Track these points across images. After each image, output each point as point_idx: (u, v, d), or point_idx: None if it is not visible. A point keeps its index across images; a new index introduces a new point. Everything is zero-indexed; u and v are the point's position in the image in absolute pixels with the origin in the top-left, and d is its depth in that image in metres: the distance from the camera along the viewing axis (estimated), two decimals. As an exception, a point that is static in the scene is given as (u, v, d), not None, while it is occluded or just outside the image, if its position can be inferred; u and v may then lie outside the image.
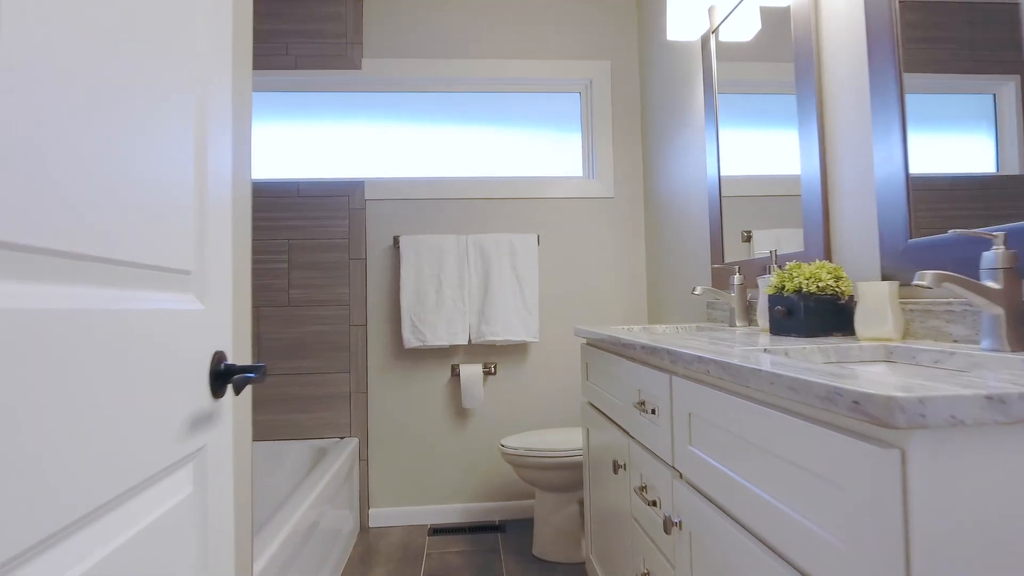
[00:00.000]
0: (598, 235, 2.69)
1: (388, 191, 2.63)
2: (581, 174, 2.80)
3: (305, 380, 2.57)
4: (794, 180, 1.51)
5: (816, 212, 1.40)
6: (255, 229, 2.61)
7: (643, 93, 2.71)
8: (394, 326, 2.59)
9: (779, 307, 1.26)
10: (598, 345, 1.72)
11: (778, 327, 1.28)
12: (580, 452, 2.09)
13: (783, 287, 1.27)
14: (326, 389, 2.57)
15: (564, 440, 2.16)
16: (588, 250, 2.68)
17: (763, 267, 1.65)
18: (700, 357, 0.92)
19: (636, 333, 1.52)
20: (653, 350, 1.14)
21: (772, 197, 1.65)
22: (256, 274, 2.60)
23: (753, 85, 1.74)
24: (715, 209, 1.93)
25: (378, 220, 2.63)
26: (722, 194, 1.90)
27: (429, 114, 2.76)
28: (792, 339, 1.18)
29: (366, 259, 2.61)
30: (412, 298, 2.51)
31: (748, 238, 1.80)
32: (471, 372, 2.51)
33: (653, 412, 1.18)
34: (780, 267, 1.48)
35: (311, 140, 2.75)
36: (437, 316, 2.50)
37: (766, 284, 1.43)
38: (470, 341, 2.54)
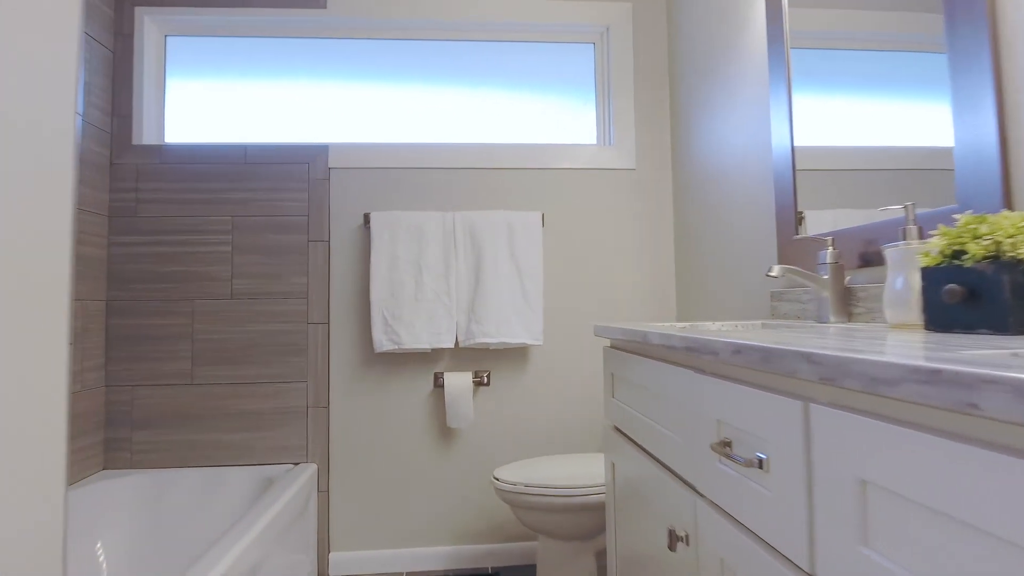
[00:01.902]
0: (616, 214, 2.19)
1: (358, 158, 2.13)
2: (595, 141, 2.30)
3: (250, 391, 2.06)
4: (904, 153, 1.02)
5: (988, 188, 0.90)
6: (186, 203, 2.10)
7: (673, 43, 2.22)
8: (363, 325, 2.08)
9: (952, 286, 0.76)
10: (631, 349, 1.22)
11: (946, 318, 0.77)
12: (599, 490, 1.58)
13: (957, 254, 0.77)
14: (277, 403, 2.06)
15: (577, 472, 1.66)
16: (603, 232, 2.18)
17: (866, 240, 1.15)
18: (925, 369, 0.42)
19: (695, 331, 1.01)
20: (764, 354, 0.64)
21: (863, 172, 1.16)
22: (189, 259, 2.09)
23: (840, 39, 1.26)
24: (785, 183, 1.44)
25: (345, 193, 2.12)
26: (796, 167, 1.41)
27: (410, 70, 2.26)
28: (984, 337, 0.68)
29: (329, 241, 2.11)
30: (385, 290, 2.00)
31: (801, 220, 1.37)
32: (458, 383, 2.00)
33: (759, 466, 0.67)
34: (919, 230, 0.97)
35: (264, 97, 2.24)
36: (416, 312, 1.99)
37: (902, 257, 0.93)
38: (457, 344, 2.03)
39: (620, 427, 1.26)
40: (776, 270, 1.19)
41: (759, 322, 1.32)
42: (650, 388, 1.05)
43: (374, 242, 2.02)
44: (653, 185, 2.21)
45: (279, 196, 2.11)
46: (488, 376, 2.07)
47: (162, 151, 2.11)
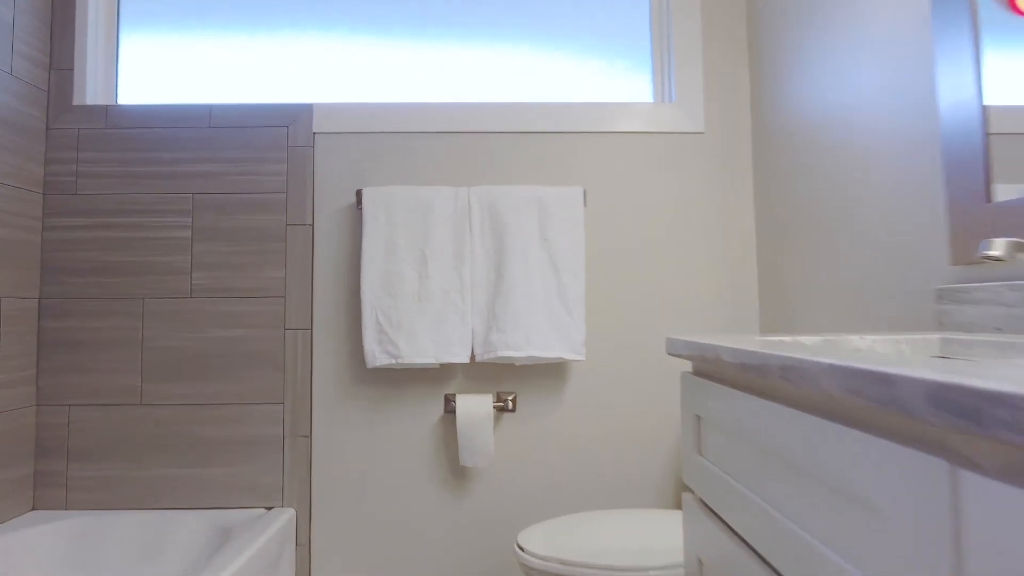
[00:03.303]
0: (678, 188, 1.70)
1: (349, 120, 1.68)
2: (652, 98, 1.81)
3: (212, 414, 1.63)
4: None
5: None
6: (137, 177, 1.68)
7: (752, -31, 1.72)
8: (355, 331, 1.63)
9: None
10: (736, 380, 0.73)
11: None
12: (669, 571, 1.10)
13: None
14: (245, 430, 1.62)
15: (636, 544, 1.17)
16: (662, 212, 1.69)
17: None
18: None
19: (876, 359, 0.52)
20: None
21: None
22: (139, 246, 1.66)
23: None
24: (967, 150, 0.93)
25: (333, 164, 1.67)
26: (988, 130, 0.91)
27: (415, 20, 1.80)
28: None
29: (313, 224, 1.66)
30: (379, 287, 1.55)
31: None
32: (474, 408, 1.53)
33: None
34: None
35: (238, 54, 1.81)
36: (419, 316, 1.53)
37: None
38: (473, 358, 1.56)
39: (713, 505, 0.77)
40: (999, 247, 0.69)
41: (933, 336, 0.83)
42: (781, 454, 0.56)
43: (366, 225, 1.57)
44: (727, 152, 1.71)
45: (251, 168, 1.67)
46: (513, 400, 1.60)
47: (108, 113, 1.69)
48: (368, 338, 1.53)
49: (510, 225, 1.56)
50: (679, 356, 0.87)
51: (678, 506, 1.61)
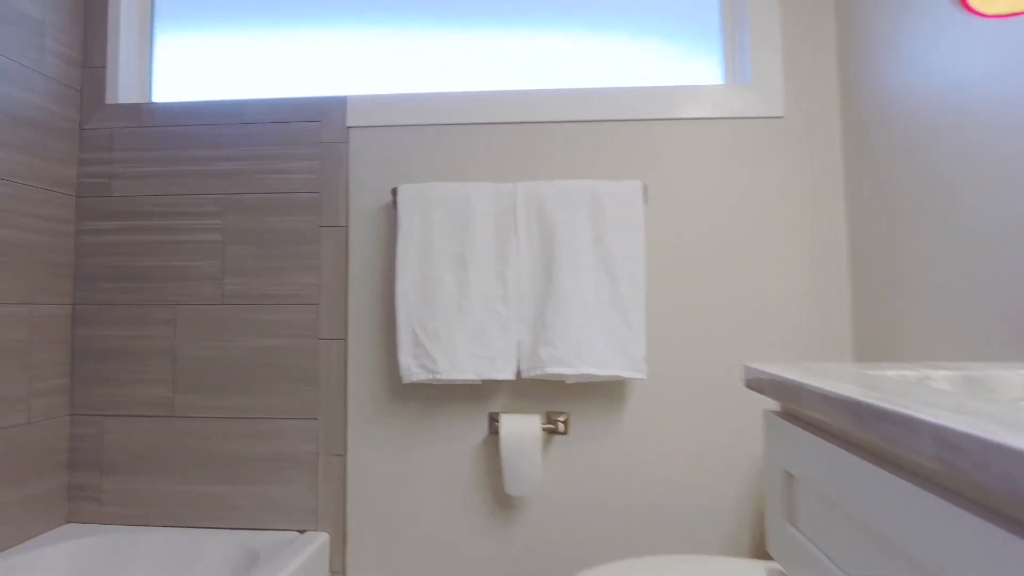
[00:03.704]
0: (752, 183, 1.48)
1: (385, 113, 1.54)
2: (722, 79, 1.60)
3: (243, 428, 1.53)
4: None
5: None
6: (168, 177, 1.59)
7: (842, -76, 1.48)
8: (392, 341, 1.50)
9: None
10: (856, 440, 0.54)
11: None
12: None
13: None
14: (277, 446, 1.52)
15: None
16: (734, 210, 1.48)
17: None
18: None
19: None
20: None
21: None
22: (171, 251, 1.58)
23: None
24: None
25: (368, 160, 1.54)
26: None
27: (454, 5, 1.65)
28: None
29: (347, 226, 1.54)
30: (414, 294, 1.41)
31: None
32: (520, 430, 1.38)
33: None
34: None
35: (271, 48, 1.71)
36: (458, 327, 1.38)
37: None
38: (519, 375, 1.40)
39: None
40: None
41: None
42: (921, 560, 0.38)
43: (401, 226, 1.43)
44: (812, 138, 1.49)
45: (282, 167, 1.56)
46: (565, 422, 1.43)
47: (141, 112, 1.61)
48: (403, 351, 1.39)
49: (560, 225, 1.38)
50: (760, 392, 0.69)
51: (755, 555, 1.41)
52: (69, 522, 1.57)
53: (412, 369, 1.38)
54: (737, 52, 1.58)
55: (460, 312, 1.37)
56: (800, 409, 0.57)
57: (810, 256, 1.46)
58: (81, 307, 1.59)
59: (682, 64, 1.62)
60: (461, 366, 1.36)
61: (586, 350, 1.33)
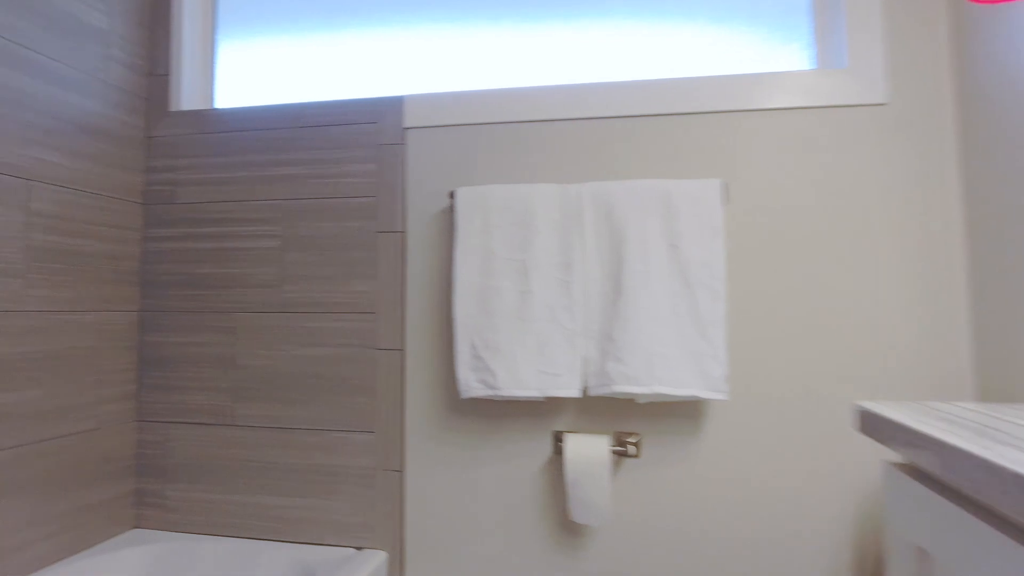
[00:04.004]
0: (849, 180, 1.32)
1: (444, 112, 1.47)
2: (813, 63, 1.44)
3: (300, 440, 1.49)
4: None
5: None
6: (228, 184, 1.57)
7: None
8: (451, 353, 1.42)
9: None
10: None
11: None
12: None
13: None
14: (334, 459, 1.47)
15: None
16: (828, 211, 1.32)
17: None
18: None
19: None
20: None
21: None
22: (231, 257, 1.56)
23: None
24: None
25: (425, 163, 1.47)
26: None
27: (513, 1, 1.56)
28: None
29: (404, 231, 1.47)
30: (473, 303, 1.32)
31: None
32: (586, 451, 1.27)
33: None
34: None
35: (327, 52, 1.66)
36: (519, 339, 1.28)
37: None
38: (586, 392, 1.30)
39: None
40: None
41: None
42: None
43: (459, 231, 1.35)
44: (921, 129, 1.31)
45: (338, 170, 1.51)
46: (636, 444, 1.31)
47: (203, 118, 1.61)
48: (461, 364, 1.31)
49: (630, 228, 1.27)
50: (885, 445, 0.56)
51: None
52: (136, 528, 1.58)
53: (471, 384, 1.30)
54: (830, 33, 1.41)
55: (521, 323, 1.28)
56: (947, 477, 0.45)
57: (919, 264, 1.28)
58: (147, 314, 1.60)
59: (761, 50, 1.46)
60: (523, 382, 1.26)
61: (659, 367, 1.21)
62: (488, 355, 1.28)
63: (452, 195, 1.38)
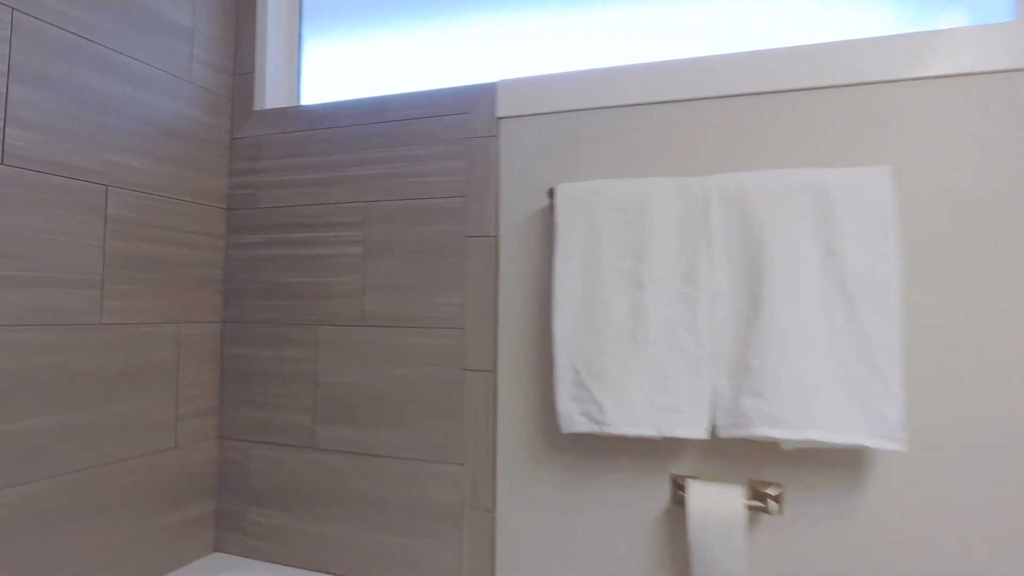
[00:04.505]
0: (1076, 163, 1.00)
1: (542, 97, 1.27)
2: (1011, 15, 1.12)
3: (383, 468, 1.34)
4: None
5: None
6: (309, 186, 1.46)
7: None
8: (549, 376, 1.22)
9: None
10: None
11: None
12: None
13: None
14: (419, 491, 1.31)
15: None
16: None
17: None
18: None
19: None
20: None
21: None
22: (312, 265, 1.44)
23: None
24: None
25: (522, 156, 1.28)
26: None
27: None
28: None
29: (497, 236, 1.29)
30: (576, 320, 1.12)
31: None
32: (714, 504, 1.03)
33: None
34: None
35: (416, 43, 1.52)
36: (632, 365, 1.06)
37: None
38: (714, 431, 1.06)
39: None
40: None
41: None
42: None
43: (559, 235, 1.15)
44: None
45: (424, 168, 1.35)
46: (778, 497, 1.06)
47: (285, 117, 1.50)
48: (562, 392, 1.11)
49: (771, 230, 1.02)
50: None
51: None
52: (216, 551, 1.50)
53: (572, 417, 1.09)
54: (1037, -25, 1.09)
55: (634, 346, 1.06)
56: None
57: None
58: (230, 325, 1.51)
59: (922, 8, 1.17)
60: (635, 417, 1.04)
61: (813, 405, 0.95)
62: (594, 383, 1.07)
63: (552, 193, 1.18)
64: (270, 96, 1.55)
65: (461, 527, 1.27)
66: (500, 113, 1.29)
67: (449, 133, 1.33)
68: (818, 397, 0.95)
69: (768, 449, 1.06)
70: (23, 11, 1.11)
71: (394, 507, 1.32)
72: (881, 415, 0.94)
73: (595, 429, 1.07)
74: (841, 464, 1.04)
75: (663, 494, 1.13)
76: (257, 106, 1.54)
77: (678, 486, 1.10)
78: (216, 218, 1.52)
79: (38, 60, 1.13)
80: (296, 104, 1.59)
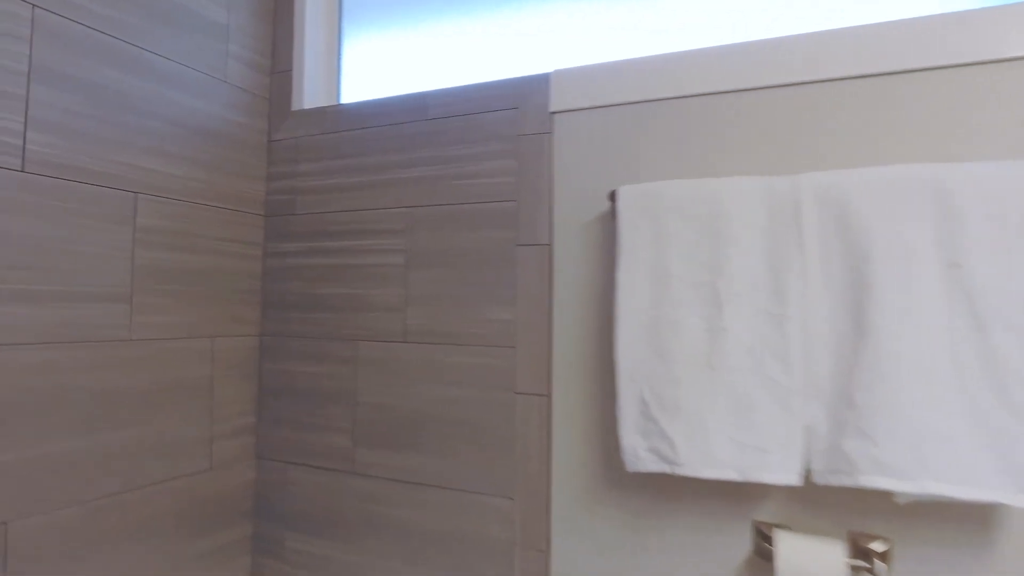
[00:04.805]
0: None
1: (600, 88, 1.13)
2: None
3: (427, 497, 1.23)
4: None
5: None
6: (349, 190, 1.36)
7: None
8: (609, 402, 1.08)
9: None
10: None
11: None
12: None
13: None
14: (466, 526, 1.20)
15: None
16: None
17: None
18: None
19: None
20: None
21: None
22: (351, 276, 1.34)
23: None
24: None
25: (578, 154, 1.15)
26: None
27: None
28: None
29: (551, 244, 1.16)
30: (642, 342, 0.97)
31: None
32: (809, 561, 0.88)
33: None
34: None
35: (461, 37, 1.40)
36: (710, 396, 0.91)
37: None
38: (808, 476, 0.90)
39: None
40: None
41: None
42: None
43: (622, 244, 1.01)
44: None
45: (471, 169, 1.23)
46: (884, 555, 0.89)
47: (325, 116, 1.41)
48: (626, 425, 0.97)
49: (878, 239, 0.85)
50: None
51: None
52: (253, 577, 1.42)
53: (639, 453, 0.95)
54: None
55: (711, 373, 0.91)
56: None
57: None
58: (268, 338, 1.43)
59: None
60: (714, 457, 0.90)
61: (935, 451, 0.79)
62: (664, 416, 0.93)
63: (613, 196, 1.04)
64: (309, 95, 1.46)
65: (511, 568, 1.14)
66: (554, 107, 1.15)
67: (498, 130, 1.20)
68: (941, 441, 0.79)
69: (874, 497, 0.89)
70: (44, 7, 1.03)
71: (437, 541, 1.21)
72: (1021, 462, 0.76)
73: (665, 469, 0.93)
74: (965, 518, 0.87)
75: (744, 543, 0.98)
76: (295, 106, 1.45)
77: (763, 535, 0.95)
78: (253, 225, 1.44)
79: (61, 59, 1.06)
80: (336, 103, 1.50)
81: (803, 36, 1.00)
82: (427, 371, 1.24)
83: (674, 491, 1.02)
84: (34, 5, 1.02)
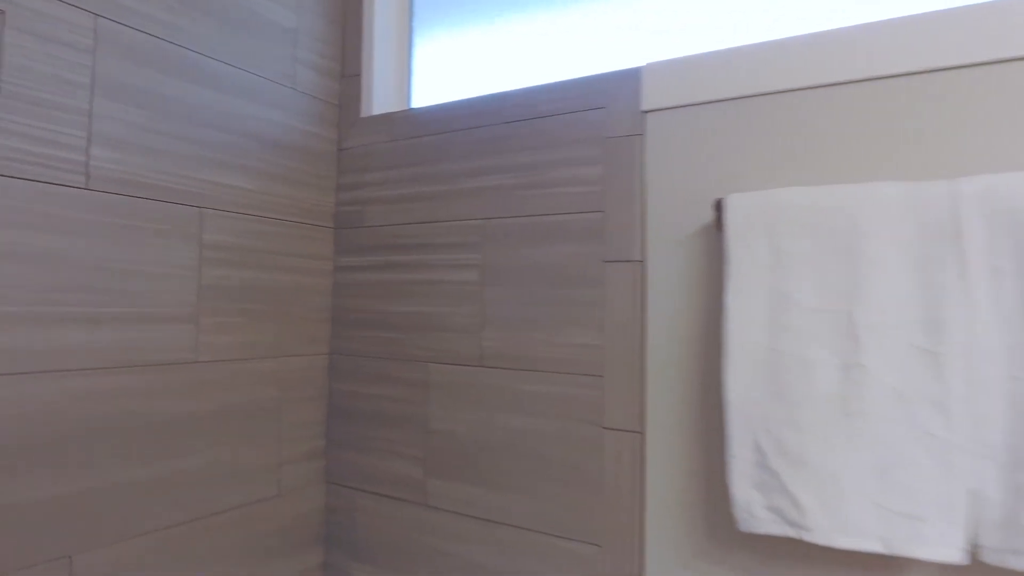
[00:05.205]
0: None
1: (699, 83, 0.99)
2: None
3: (499, 537, 1.12)
4: None
5: None
6: (418, 200, 1.26)
7: None
8: (716, 445, 0.94)
9: None
10: None
11: None
12: None
13: None
14: (539, 571, 1.08)
15: None
16: None
17: None
18: None
19: None
20: None
21: None
22: (422, 293, 1.25)
23: None
24: None
25: (674, 159, 1.01)
26: None
27: None
28: None
29: (644, 261, 1.02)
30: (758, 379, 0.83)
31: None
32: (974, 656, 0.71)
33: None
34: None
35: (540, 36, 1.28)
36: (845, 448, 0.76)
37: None
38: (976, 555, 0.73)
39: None
40: None
41: None
42: None
43: (730, 263, 0.86)
44: None
45: (552, 177, 1.11)
46: (1080, 657, 0.72)
47: (394, 122, 1.32)
48: (737, 475, 0.83)
49: (1068, 258, 0.68)
50: None
51: None
52: (323, 609, 1.35)
53: (754, 511, 0.81)
54: None
55: (847, 421, 0.76)
56: None
57: None
58: (337, 357, 1.36)
59: None
60: (852, 523, 0.74)
61: None
62: (787, 469, 0.78)
63: (719, 206, 0.90)
64: (379, 100, 1.38)
65: (599, 624, 1.02)
66: (646, 105, 1.02)
67: (582, 133, 1.08)
68: None
69: (1062, 582, 0.72)
70: (107, 16, 0.99)
71: (516, 587, 1.10)
72: None
73: (790, 533, 0.78)
74: None
75: (884, 623, 0.81)
76: (365, 112, 1.37)
77: (910, 617, 0.78)
78: (323, 239, 1.37)
79: (125, 71, 1.01)
80: (407, 108, 1.41)
81: (948, 12, 0.82)
82: (504, 398, 1.13)
83: (794, 555, 0.87)
84: (96, 15, 0.98)
